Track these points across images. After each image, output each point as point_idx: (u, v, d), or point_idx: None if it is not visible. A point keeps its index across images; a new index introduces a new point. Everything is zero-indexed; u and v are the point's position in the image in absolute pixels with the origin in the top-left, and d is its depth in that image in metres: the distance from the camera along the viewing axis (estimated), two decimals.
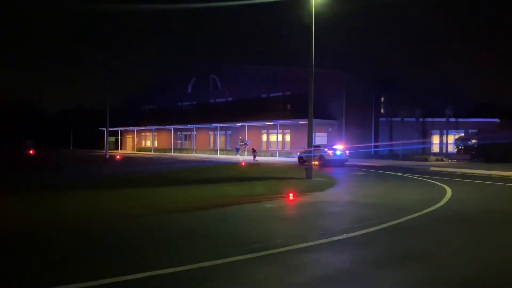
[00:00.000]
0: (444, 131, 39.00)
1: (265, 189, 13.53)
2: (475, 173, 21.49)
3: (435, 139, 40.13)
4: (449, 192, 13.07)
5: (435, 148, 39.80)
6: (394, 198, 11.88)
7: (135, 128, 60.68)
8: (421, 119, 39.23)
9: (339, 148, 28.81)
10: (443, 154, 36.74)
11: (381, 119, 41.05)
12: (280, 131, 43.13)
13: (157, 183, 14.75)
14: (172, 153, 51.30)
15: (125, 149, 65.04)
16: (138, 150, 60.34)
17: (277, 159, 38.58)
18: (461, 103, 38.70)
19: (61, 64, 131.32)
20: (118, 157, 38.08)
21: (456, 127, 38.02)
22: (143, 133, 62.30)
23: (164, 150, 55.01)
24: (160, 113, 57.97)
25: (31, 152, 48.77)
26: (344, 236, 6.81)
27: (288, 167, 26.53)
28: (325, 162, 27.25)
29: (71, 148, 69.11)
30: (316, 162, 25.73)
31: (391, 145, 37.52)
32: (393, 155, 36.86)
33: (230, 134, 48.78)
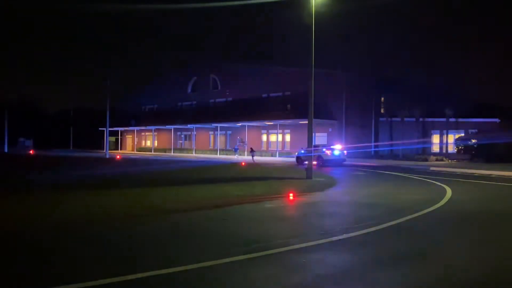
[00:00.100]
0: (444, 131, 38.99)
1: (265, 189, 13.53)
2: (475, 173, 21.49)
3: (435, 139, 40.11)
4: (449, 192, 13.07)
5: (435, 148, 39.79)
6: (394, 198, 11.88)
7: (135, 128, 60.67)
8: (421, 119, 39.21)
9: (337, 148, 28.89)
10: (443, 154, 36.73)
11: (381, 119, 41.03)
12: (280, 131, 43.12)
13: (157, 183, 14.75)
14: (172, 153, 51.29)
15: (125, 149, 65.03)
16: (138, 150, 60.34)
17: (277, 159, 38.58)
18: (461, 103, 38.65)
19: (61, 64, 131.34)
20: (118, 157, 38.08)
21: (456, 127, 38.00)
22: (143, 133, 62.29)
23: (164, 150, 55.00)
24: (160, 113, 57.94)
25: (30, 152, 48.77)
26: (344, 236, 6.81)
27: (288, 167, 26.53)
28: (323, 162, 27.28)
29: (71, 148, 69.07)
30: (315, 162, 25.75)
31: (391, 145, 37.51)
32: (393, 155, 36.86)
33: (230, 134, 48.77)
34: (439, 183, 15.88)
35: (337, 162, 27.85)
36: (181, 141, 55.85)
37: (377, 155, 38.61)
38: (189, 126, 50.48)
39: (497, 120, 37.77)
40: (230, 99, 49.29)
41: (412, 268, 5.26)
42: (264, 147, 45.02)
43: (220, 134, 48.68)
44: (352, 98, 39.13)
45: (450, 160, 33.84)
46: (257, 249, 5.84)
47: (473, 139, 33.85)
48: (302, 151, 29.62)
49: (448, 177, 18.91)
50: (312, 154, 19.17)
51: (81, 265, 5.17)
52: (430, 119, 39.18)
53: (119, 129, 62.71)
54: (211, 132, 51.03)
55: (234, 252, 5.68)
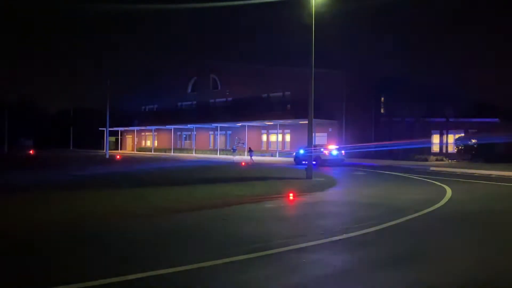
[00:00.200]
0: (444, 131, 38.97)
1: (265, 189, 13.53)
2: (475, 173, 21.49)
3: (435, 139, 40.09)
4: (449, 192, 13.07)
5: (435, 148, 39.77)
6: (394, 198, 11.87)
7: (135, 128, 60.68)
8: (421, 119, 39.21)
9: (335, 148, 29.00)
10: (443, 154, 36.72)
11: (381, 119, 41.03)
12: (280, 131, 43.12)
13: (157, 183, 14.75)
14: (172, 153, 51.30)
15: (125, 149, 65.06)
16: (138, 150, 60.36)
17: (277, 159, 38.58)
18: (461, 103, 38.64)
19: (61, 64, 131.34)
20: (118, 157, 38.09)
21: (456, 127, 37.98)
22: (143, 133, 62.31)
23: (164, 150, 55.01)
24: (160, 113, 57.93)
25: (31, 152, 48.78)
26: (344, 236, 6.81)
27: (288, 167, 26.54)
28: (322, 162, 27.35)
29: (71, 148, 69.09)
30: (313, 162, 25.83)
31: (391, 145, 37.50)
32: (393, 155, 36.84)
33: (230, 134, 48.77)
34: (439, 183, 15.88)
35: (335, 162, 28.01)
36: (181, 141, 55.87)
37: (377, 155, 38.59)
38: (189, 126, 50.48)
39: (497, 120, 37.75)
40: (230, 99, 49.28)
41: (412, 268, 5.26)
42: (264, 147, 45.02)
43: (220, 134, 48.68)
44: (352, 98, 39.11)
45: (450, 160, 33.83)
46: (257, 249, 5.84)
47: (473, 139, 33.85)
48: (300, 151, 29.81)
49: (448, 177, 18.91)
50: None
51: (82, 264, 5.17)
52: (430, 119, 39.16)
53: (119, 129, 62.72)
54: (211, 132, 51.04)
55: (234, 252, 5.68)
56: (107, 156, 40.35)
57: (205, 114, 49.97)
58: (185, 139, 55.40)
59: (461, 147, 34.90)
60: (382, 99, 42.60)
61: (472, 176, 19.93)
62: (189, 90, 56.13)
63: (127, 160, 35.06)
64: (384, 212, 9.22)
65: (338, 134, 39.70)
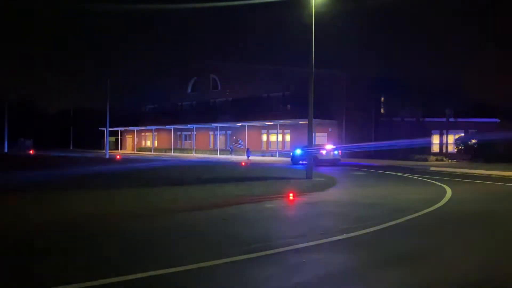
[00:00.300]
0: (444, 131, 38.97)
1: (265, 189, 13.53)
2: (475, 173, 21.49)
3: (435, 139, 40.09)
4: (449, 192, 13.07)
5: (435, 148, 39.76)
6: (394, 198, 11.88)
7: (135, 128, 60.68)
8: (421, 119, 39.21)
9: (332, 148, 29.13)
10: (443, 154, 36.72)
11: (381, 119, 41.03)
12: (280, 131, 43.13)
13: (157, 183, 14.75)
14: (172, 153, 51.30)
15: (125, 149, 65.06)
16: (138, 150, 60.36)
17: (277, 159, 38.58)
18: (461, 103, 38.66)
19: (61, 64, 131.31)
20: (118, 157, 38.09)
21: (456, 127, 37.98)
22: (143, 133, 62.31)
23: (164, 150, 55.01)
24: (160, 113, 57.92)
25: (30, 152, 48.78)
26: (344, 236, 6.81)
27: (287, 167, 26.55)
28: (318, 162, 27.46)
29: (71, 148, 69.09)
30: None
31: (391, 145, 37.50)
32: (393, 155, 36.84)
33: (230, 134, 48.79)
34: (439, 183, 15.88)
35: (332, 162, 28.22)
36: (181, 141, 55.87)
37: (377, 155, 38.59)
38: (189, 126, 50.48)
39: (497, 120, 37.74)
40: (230, 99, 49.28)
41: (412, 268, 5.26)
42: (264, 147, 45.03)
43: (220, 134, 48.68)
44: (352, 98, 39.11)
45: (450, 160, 33.83)
46: (257, 249, 5.84)
47: (473, 139, 33.84)
48: (297, 151, 30.05)
49: (448, 177, 18.91)
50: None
51: (81, 264, 5.17)
52: (430, 119, 39.17)
53: (119, 129, 62.72)
54: (211, 132, 51.04)
55: (234, 252, 5.68)
56: (107, 156, 40.35)
57: (205, 114, 49.97)
58: (185, 139, 55.40)
59: (461, 147, 34.90)
60: (382, 99, 42.60)
61: (472, 176, 19.93)
62: (189, 90, 56.12)
63: (127, 160, 35.06)
64: (384, 212, 9.22)
65: (338, 134, 39.70)
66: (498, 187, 15.43)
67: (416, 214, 8.93)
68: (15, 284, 4.53)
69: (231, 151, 38.84)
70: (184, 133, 55.15)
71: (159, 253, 5.73)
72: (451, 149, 37.20)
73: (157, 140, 58.79)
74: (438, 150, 39.17)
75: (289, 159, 33.14)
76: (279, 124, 41.85)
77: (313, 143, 20.65)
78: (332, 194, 12.69)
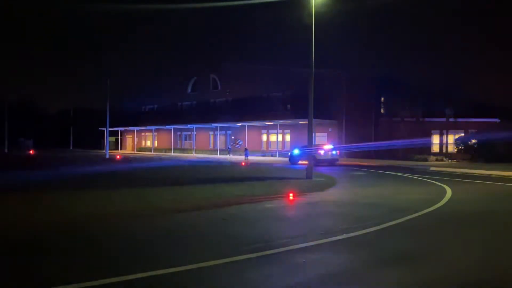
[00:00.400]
0: (444, 131, 38.97)
1: (265, 189, 13.53)
2: (475, 173, 21.49)
3: (435, 139, 40.08)
4: (449, 192, 13.07)
5: (435, 148, 39.76)
6: (394, 198, 11.88)
7: (135, 128, 60.68)
8: (421, 119, 39.21)
9: (329, 148, 29.23)
10: (443, 154, 36.72)
11: (381, 119, 41.04)
12: (280, 131, 43.12)
13: (157, 183, 14.75)
14: (172, 153, 51.29)
15: (125, 149, 65.06)
16: (138, 150, 60.36)
17: (276, 159, 38.57)
18: (461, 103, 38.68)
19: (61, 64, 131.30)
20: (118, 157, 38.09)
21: (456, 127, 37.98)
22: (143, 133, 62.31)
23: (164, 150, 55.00)
24: (160, 113, 57.91)
25: (30, 152, 48.77)
26: (344, 236, 6.81)
27: (286, 167, 26.55)
28: (317, 162, 27.54)
29: (71, 148, 69.08)
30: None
31: (391, 145, 37.50)
32: (393, 155, 36.85)
33: (230, 134, 48.79)
34: (439, 183, 15.88)
35: (330, 162, 28.36)
36: (181, 141, 55.87)
37: (377, 155, 38.60)
38: (189, 126, 50.47)
39: (497, 120, 37.75)
40: (230, 99, 49.28)
41: (412, 268, 5.26)
42: (264, 147, 45.02)
43: (220, 134, 48.67)
44: (352, 98, 39.11)
45: (450, 160, 33.83)
46: (257, 249, 5.84)
47: (473, 139, 33.84)
48: (295, 151, 30.29)
49: (448, 177, 18.91)
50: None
51: (81, 264, 5.17)
52: (430, 119, 39.17)
53: (119, 129, 62.71)
54: (211, 132, 51.04)
55: (234, 252, 5.68)
56: (107, 156, 40.34)
57: (205, 114, 49.97)
58: (185, 139, 55.40)
59: (461, 147, 34.89)
60: (382, 99, 42.60)
61: (472, 176, 19.93)
62: (189, 90, 56.12)
63: (127, 160, 35.06)
64: (384, 212, 9.22)
65: (338, 134, 39.71)
66: (498, 187, 15.43)
67: (416, 214, 8.93)
68: (15, 284, 4.53)
69: (229, 151, 38.88)
70: (184, 133, 55.14)
71: (159, 253, 5.73)
72: (451, 149, 37.19)
73: (157, 140, 58.79)
74: (438, 150, 39.17)
75: (288, 159, 33.19)
76: (279, 124, 41.84)
77: (313, 143, 20.64)
78: (332, 194, 12.69)
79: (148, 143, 60.92)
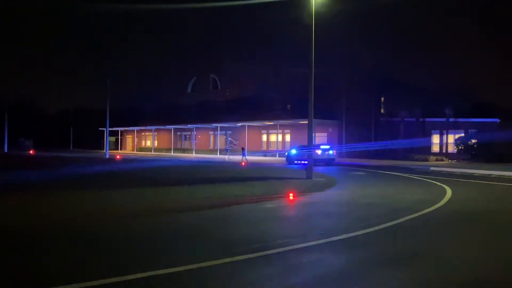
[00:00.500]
0: (444, 131, 38.97)
1: (265, 189, 13.52)
2: (475, 173, 21.49)
3: (435, 139, 40.10)
4: (449, 192, 13.07)
5: (435, 148, 39.78)
6: (394, 198, 11.87)
7: (135, 128, 60.69)
8: (421, 119, 39.22)
9: (327, 148, 29.35)
10: (443, 154, 36.72)
11: (381, 119, 41.05)
12: (280, 131, 43.13)
13: (157, 183, 14.75)
14: (172, 153, 51.29)
15: (125, 149, 65.08)
16: (138, 150, 60.37)
17: (274, 159, 38.58)
18: (461, 103, 38.67)
19: (61, 64, 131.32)
20: (118, 157, 38.09)
21: (456, 127, 37.99)
22: (143, 133, 62.32)
23: (164, 150, 55.02)
24: (160, 113, 57.93)
25: (30, 152, 48.78)
26: (344, 236, 6.81)
27: (286, 167, 26.55)
28: (313, 161, 27.64)
29: (71, 148, 69.09)
30: (305, 162, 26.53)
31: (391, 145, 37.51)
32: (393, 155, 36.86)
33: (230, 134, 48.80)
34: (439, 183, 15.88)
35: (327, 161, 28.59)
36: (181, 141, 55.88)
37: (377, 155, 38.61)
38: (189, 126, 50.49)
39: (497, 120, 37.75)
40: (230, 99, 49.29)
41: (412, 268, 5.26)
42: (264, 147, 45.02)
43: (220, 134, 48.67)
44: (352, 98, 39.14)
45: (450, 160, 33.83)
46: (257, 249, 5.84)
47: (473, 139, 33.85)
48: (292, 151, 30.55)
49: (448, 177, 18.91)
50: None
51: (81, 264, 5.17)
52: (430, 119, 39.19)
53: (119, 129, 62.74)
54: (211, 132, 51.04)
55: (234, 252, 5.68)
56: (107, 156, 40.34)
57: (205, 114, 49.99)
58: (185, 139, 55.40)
59: (461, 147, 34.91)
60: (382, 99, 42.61)
61: (472, 176, 19.93)
62: (189, 90, 56.15)
63: (127, 160, 35.06)
64: (384, 212, 9.22)
65: (338, 134, 39.73)
66: (498, 187, 15.43)
67: (416, 214, 8.93)
68: (15, 284, 4.53)
69: (226, 151, 38.90)
70: (184, 133, 55.14)
71: (159, 253, 5.72)
72: (451, 149, 37.21)
73: (157, 140, 58.80)
74: (438, 150, 39.18)
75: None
76: (279, 124, 41.85)
77: (313, 143, 20.65)
78: (332, 194, 12.69)
79: (148, 143, 60.93)
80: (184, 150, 52.90)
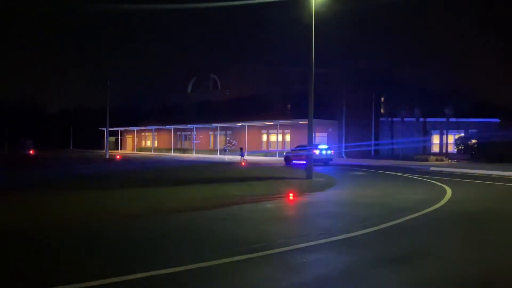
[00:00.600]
0: (444, 131, 38.98)
1: (265, 189, 13.52)
2: (475, 173, 21.49)
3: (435, 139, 40.11)
4: (449, 192, 13.07)
5: (435, 148, 39.78)
6: (394, 198, 11.87)
7: (135, 128, 60.69)
8: (421, 119, 39.23)
9: (324, 148, 29.50)
10: (443, 154, 36.72)
11: (381, 119, 41.05)
12: (280, 131, 43.12)
13: (157, 184, 14.75)
14: (172, 153, 51.29)
15: (125, 149, 65.07)
16: (138, 150, 60.36)
17: (276, 159, 38.57)
18: (461, 103, 38.67)
19: (61, 64, 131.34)
20: (118, 157, 38.09)
21: (456, 127, 38.01)
22: (143, 133, 62.31)
23: (165, 150, 55.01)
24: (160, 113, 57.94)
25: (31, 152, 48.79)
26: (344, 236, 6.81)
27: (288, 167, 26.56)
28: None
29: (71, 148, 69.10)
30: (303, 162, 26.74)
31: (391, 145, 37.51)
32: (393, 155, 36.87)
33: (230, 134, 48.78)
34: (439, 183, 15.88)
35: (324, 161, 28.84)
36: (181, 141, 55.88)
37: (377, 155, 38.62)
38: (189, 126, 50.48)
39: (497, 120, 37.76)
40: (230, 99, 49.29)
41: (412, 268, 5.26)
42: (264, 147, 45.01)
43: (220, 134, 48.67)
44: (352, 98, 39.12)
45: (450, 160, 33.83)
46: (257, 249, 5.84)
47: (473, 139, 33.85)
48: (290, 151, 30.84)
49: (448, 177, 18.91)
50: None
51: (82, 264, 5.17)
52: (430, 119, 39.20)
53: (119, 129, 62.74)
54: (211, 132, 51.04)
55: (234, 252, 5.68)
56: (107, 156, 40.34)
57: (205, 114, 49.99)
58: (185, 139, 55.40)
59: (461, 147, 34.90)
60: (382, 99, 42.61)
61: (472, 176, 19.93)
62: (189, 90, 56.13)
63: (127, 160, 35.07)
64: (384, 212, 9.22)
65: (338, 134, 39.72)
66: (498, 187, 15.43)
67: (416, 214, 8.93)
68: (15, 284, 4.53)
69: (225, 151, 38.98)
70: (184, 133, 55.14)
71: (159, 253, 5.73)
72: (451, 149, 37.21)
73: (157, 140, 58.79)
74: (438, 150, 39.19)
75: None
76: (279, 124, 41.84)
77: (313, 143, 20.65)
78: (332, 194, 12.69)
79: (148, 143, 60.93)
80: (184, 150, 52.88)
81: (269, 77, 44.72)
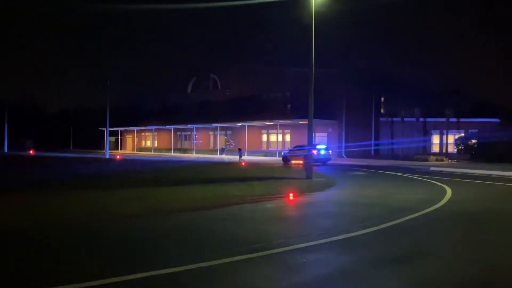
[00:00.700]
0: (444, 131, 39.00)
1: (265, 189, 13.52)
2: (475, 173, 21.49)
3: (435, 139, 40.13)
4: (449, 192, 13.07)
5: (435, 148, 39.81)
6: (394, 198, 11.87)
7: (135, 128, 60.69)
8: (421, 119, 39.26)
9: (322, 148, 29.57)
10: (443, 154, 36.75)
11: (381, 119, 41.07)
12: (280, 131, 43.12)
13: (157, 184, 14.74)
14: (172, 153, 51.28)
15: (125, 149, 65.07)
16: (138, 150, 60.36)
17: (277, 159, 38.57)
18: (461, 103, 38.72)
19: (61, 64, 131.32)
20: (118, 157, 38.08)
21: (456, 127, 38.02)
22: (143, 133, 62.32)
23: (165, 150, 55.01)
24: (160, 113, 57.93)
25: (31, 152, 48.76)
26: (344, 236, 6.81)
27: (287, 167, 26.55)
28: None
29: (71, 148, 69.09)
30: (301, 161, 26.81)
31: (391, 145, 37.53)
32: (393, 155, 36.89)
33: (230, 134, 48.79)
34: (439, 183, 15.88)
35: (322, 161, 28.91)
36: (181, 141, 55.88)
37: (377, 155, 38.64)
38: (189, 126, 50.49)
39: (497, 120, 37.78)
40: (230, 99, 49.28)
41: (412, 268, 5.26)
42: (264, 147, 45.01)
43: (220, 134, 48.66)
44: (352, 98, 39.13)
45: (450, 160, 33.84)
46: (257, 249, 5.84)
47: (473, 139, 33.87)
48: (288, 151, 31.20)
49: (448, 177, 18.91)
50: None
51: (81, 265, 5.17)
52: (430, 119, 39.22)
53: (119, 129, 62.74)
54: (211, 132, 51.04)
55: (234, 252, 5.68)
56: (107, 156, 40.32)
57: (205, 114, 49.98)
58: (185, 139, 55.40)
59: (461, 147, 34.92)
60: (382, 99, 42.63)
61: (472, 176, 19.93)
62: (189, 90, 56.13)
63: (127, 160, 35.06)
64: (384, 212, 9.22)
65: (338, 134, 39.71)
66: (498, 187, 15.43)
67: (416, 214, 8.93)
68: (14, 284, 4.53)
69: (223, 150, 39.10)
70: (184, 133, 55.14)
71: (159, 253, 5.72)
72: (451, 149, 37.23)
73: (157, 140, 58.80)
74: (438, 150, 39.21)
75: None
76: (279, 124, 41.84)
77: (313, 143, 20.66)
78: (332, 194, 12.69)
79: (148, 143, 60.93)
80: (184, 150, 52.88)
81: (269, 77, 44.71)
